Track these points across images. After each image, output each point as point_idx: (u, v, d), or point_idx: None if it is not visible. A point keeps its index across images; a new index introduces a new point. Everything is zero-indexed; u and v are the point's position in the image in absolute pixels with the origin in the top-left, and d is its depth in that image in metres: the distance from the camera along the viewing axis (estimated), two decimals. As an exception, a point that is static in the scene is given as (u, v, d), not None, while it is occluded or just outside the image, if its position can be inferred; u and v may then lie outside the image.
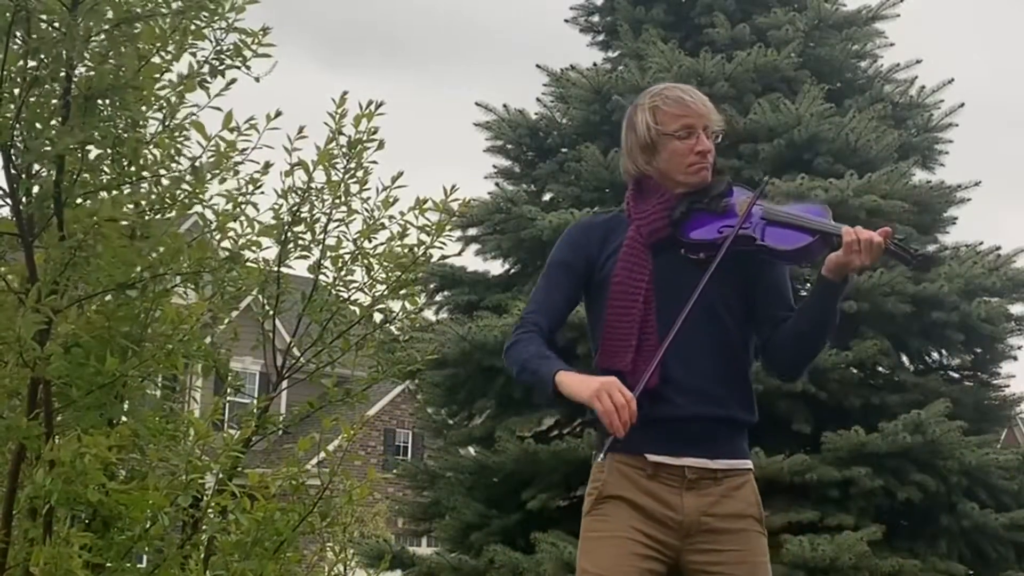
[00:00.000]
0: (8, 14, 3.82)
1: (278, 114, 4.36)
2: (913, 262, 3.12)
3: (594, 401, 2.89)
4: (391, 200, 4.85)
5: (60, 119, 3.96)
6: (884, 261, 3.36)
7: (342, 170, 4.77)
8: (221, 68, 4.16)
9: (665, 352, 2.98)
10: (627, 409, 2.86)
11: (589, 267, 3.17)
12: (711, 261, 3.02)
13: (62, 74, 3.93)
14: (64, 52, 3.85)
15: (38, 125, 4.00)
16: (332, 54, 79.20)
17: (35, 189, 4.12)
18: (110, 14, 3.84)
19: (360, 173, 4.77)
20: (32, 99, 3.96)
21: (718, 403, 3.08)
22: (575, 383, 2.96)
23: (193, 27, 4.06)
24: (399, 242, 4.88)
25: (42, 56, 3.88)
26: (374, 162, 4.77)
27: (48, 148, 3.94)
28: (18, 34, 3.89)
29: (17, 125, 3.93)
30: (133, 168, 4.18)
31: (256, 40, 4.14)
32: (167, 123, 4.17)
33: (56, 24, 3.86)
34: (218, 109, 4.16)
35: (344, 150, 4.76)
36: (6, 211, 4.27)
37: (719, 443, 3.09)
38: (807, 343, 3.17)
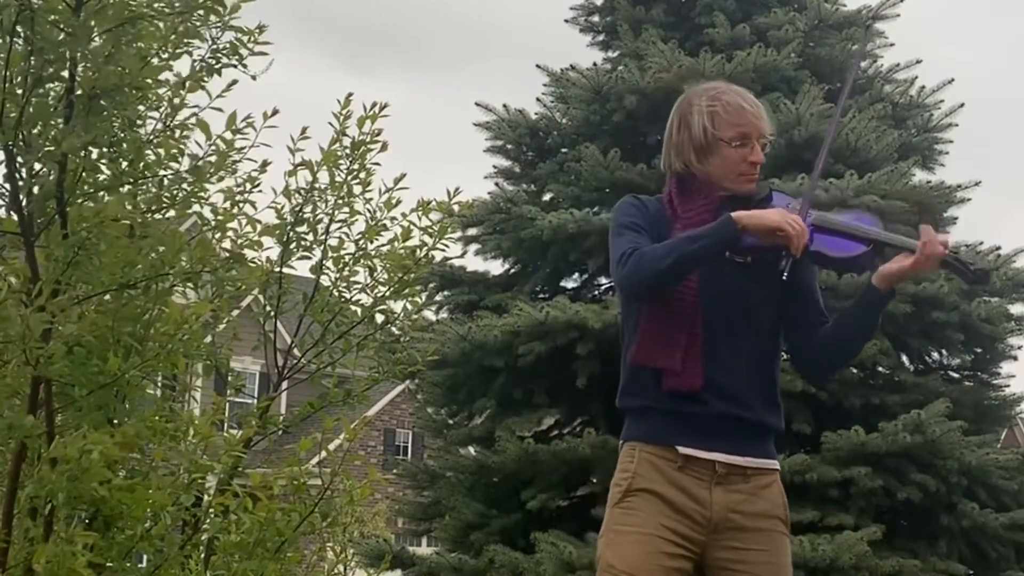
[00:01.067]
0: (12, 13, 3.82)
1: (275, 112, 4.36)
2: (971, 276, 3.15)
3: (786, 224, 2.94)
4: (394, 201, 4.85)
5: (63, 119, 3.96)
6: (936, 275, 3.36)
7: (345, 171, 4.77)
8: (218, 67, 4.16)
9: (705, 354, 3.03)
10: (805, 234, 2.96)
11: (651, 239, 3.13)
12: (760, 265, 3.07)
13: (65, 74, 3.93)
14: (68, 52, 3.85)
15: (41, 125, 4.00)
16: (357, 58, 79.32)
17: (35, 188, 4.12)
18: (115, 13, 3.84)
19: (363, 174, 4.77)
20: (35, 99, 3.96)
21: (750, 408, 3.09)
22: (758, 213, 2.99)
23: (189, 26, 4.06)
24: (402, 243, 4.88)
25: (47, 56, 3.88)
26: (377, 163, 4.77)
27: (51, 148, 3.94)
28: (22, 33, 3.89)
29: (21, 124, 3.93)
30: (130, 168, 4.18)
31: (252, 39, 4.14)
32: (167, 123, 4.17)
33: (60, 24, 3.86)
34: (219, 110, 4.16)
35: (348, 151, 4.76)
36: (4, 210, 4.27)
37: (749, 442, 3.10)
38: (847, 349, 3.23)
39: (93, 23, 3.86)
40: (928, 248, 3.04)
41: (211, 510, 4.42)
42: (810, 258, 3.13)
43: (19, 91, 3.94)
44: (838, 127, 8.62)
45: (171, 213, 4.29)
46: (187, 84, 4.12)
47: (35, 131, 4.00)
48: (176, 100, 4.14)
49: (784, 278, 3.02)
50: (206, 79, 4.12)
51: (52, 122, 4.03)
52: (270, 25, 4.11)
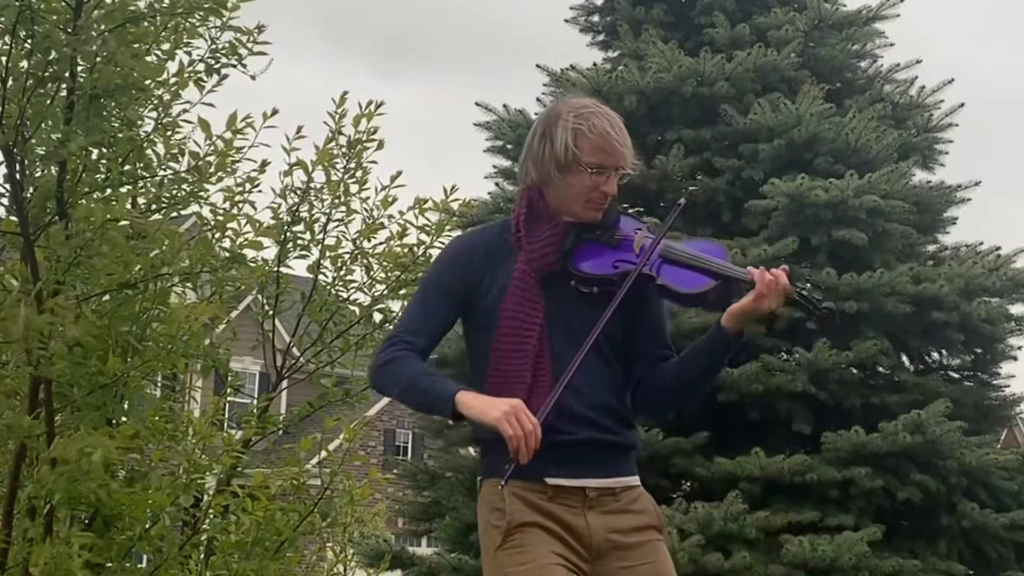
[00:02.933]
0: (13, 13, 3.82)
1: (275, 112, 4.36)
2: (817, 314, 2.98)
3: (502, 425, 2.77)
4: (390, 200, 4.85)
5: (64, 119, 3.97)
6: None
7: (342, 170, 4.77)
8: (217, 67, 4.16)
9: (556, 385, 2.90)
10: (534, 436, 2.78)
11: (468, 292, 3.03)
12: (607, 296, 2.94)
13: (66, 74, 3.93)
14: (68, 52, 3.85)
15: (42, 125, 4.00)
16: (387, 60, 79.46)
17: (32, 189, 4.12)
18: (115, 14, 3.84)
19: (359, 173, 4.77)
20: (36, 99, 3.96)
21: (609, 430, 3.01)
22: (480, 404, 2.83)
23: (188, 25, 4.06)
24: (399, 242, 4.88)
25: (48, 56, 3.88)
26: (374, 162, 4.77)
27: (52, 148, 3.94)
28: (22, 34, 3.89)
29: (21, 124, 3.94)
30: (129, 168, 4.18)
31: (251, 38, 4.14)
32: (161, 121, 4.17)
33: (61, 24, 3.86)
34: (211, 106, 4.17)
35: (344, 150, 4.76)
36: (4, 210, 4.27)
37: (614, 463, 3.03)
38: (686, 391, 3.12)
39: (94, 23, 3.86)
40: (759, 276, 2.91)
41: (210, 510, 4.42)
42: (657, 292, 3.03)
43: (19, 91, 3.94)
44: (838, 127, 8.62)
45: (174, 215, 4.29)
46: (180, 80, 4.12)
47: (36, 131, 4.00)
48: (168, 98, 4.14)
49: (501, 487, 2.86)
50: (205, 78, 4.12)
51: (52, 122, 4.03)
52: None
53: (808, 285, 2.88)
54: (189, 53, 4.11)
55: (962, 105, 9.53)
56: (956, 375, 8.97)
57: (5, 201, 4.19)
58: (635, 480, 3.07)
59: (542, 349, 2.97)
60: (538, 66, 9.76)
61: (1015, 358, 8.78)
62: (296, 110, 4.46)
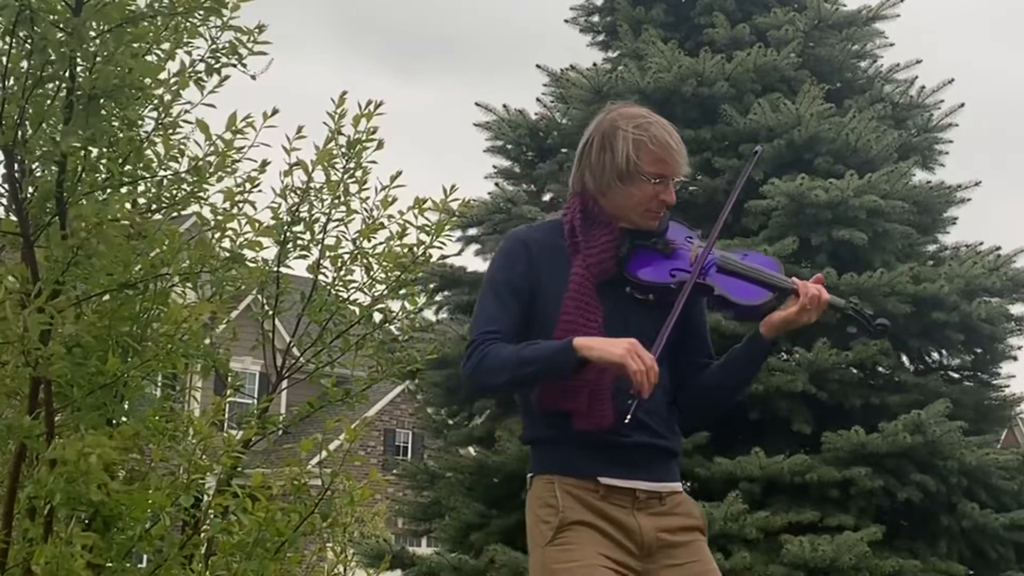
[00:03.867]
0: (12, 13, 3.82)
1: (275, 112, 4.36)
2: (870, 329, 3.09)
3: (627, 360, 2.80)
4: (390, 200, 4.85)
5: (63, 119, 3.97)
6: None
7: (341, 170, 4.77)
8: (217, 66, 4.16)
9: (615, 388, 2.94)
10: (653, 371, 2.82)
11: (532, 291, 3.04)
12: (662, 304, 2.98)
13: (64, 73, 3.93)
14: (67, 52, 3.85)
15: (41, 124, 4.00)
16: (406, 61, 79.70)
17: (31, 189, 4.12)
18: (114, 14, 3.84)
19: (359, 173, 4.77)
20: (35, 99, 3.96)
21: (661, 436, 3.07)
22: (600, 344, 2.85)
23: (188, 25, 4.06)
24: (399, 242, 4.87)
25: (47, 56, 3.88)
26: (373, 162, 4.77)
27: (50, 148, 3.94)
28: (21, 34, 3.89)
29: (20, 124, 3.93)
30: (129, 167, 4.18)
31: (252, 38, 4.14)
32: (161, 121, 4.17)
33: (60, 24, 3.86)
34: (212, 106, 4.17)
35: (343, 150, 4.75)
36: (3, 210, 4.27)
37: (662, 468, 3.08)
38: (724, 397, 3.17)
39: (93, 23, 3.86)
40: (803, 289, 2.97)
41: (211, 511, 4.41)
42: (712, 303, 3.08)
43: (19, 91, 3.94)
44: (838, 127, 8.62)
45: (169, 213, 4.29)
46: (180, 80, 4.12)
47: (35, 131, 4.00)
48: (169, 98, 4.14)
49: (626, 421, 2.87)
50: (205, 78, 4.12)
51: (52, 122, 4.03)
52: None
53: (857, 301, 2.96)
54: (189, 53, 4.12)
55: (962, 105, 9.55)
56: (956, 375, 8.97)
57: (5, 201, 4.18)
58: (679, 486, 3.14)
59: None
60: (538, 66, 9.78)
61: (1015, 358, 8.79)
62: (311, 111, 4.47)
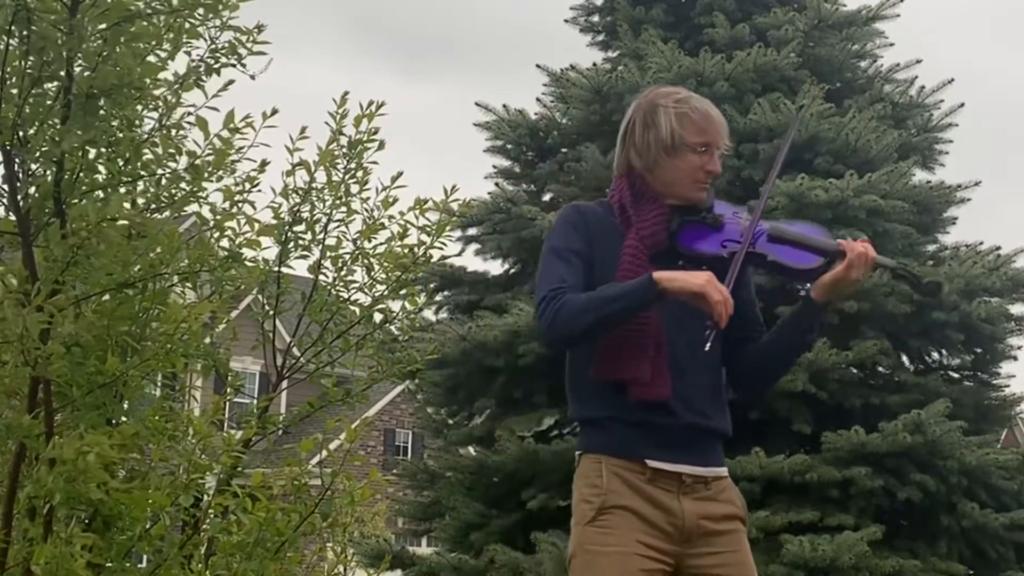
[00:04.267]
0: (8, 12, 3.81)
1: (274, 112, 4.35)
2: (921, 288, 3.17)
3: (708, 289, 2.87)
4: (391, 200, 4.84)
5: (60, 119, 3.96)
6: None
7: (342, 170, 4.76)
8: (216, 67, 4.16)
9: (668, 365, 3.02)
10: (730, 302, 2.89)
11: (590, 257, 3.09)
12: (716, 276, 3.01)
13: (62, 73, 3.93)
14: (65, 51, 3.84)
15: (39, 124, 4.00)
16: (414, 62, 79.84)
17: (33, 189, 4.11)
18: (112, 12, 3.84)
19: (360, 173, 4.77)
20: (32, 99, 3.95)
21: (707, 416, 3.10)
22: (679, 275, 2.92)
23: (188, 25, 4.05)
24: (399, 242, 4.87)
25: (44, 55, 3.87)
26: (374, 162, 4.77)
27: (49, 147, 3.94)
28: (18, 33, 3.88)
29: (18, 124, 3.93)
30: (129, 167, 4.18)
31: (251, 38, 4.14)
32: (163, 122, 4.17)
33: (57, 23, 3.86)
34: (215, 109, 4.16)
35: (345, 150, 4.75)
36: (2, 210, 4.27)
37: (709, 451, 3.12)
38: (782, 363, 3.24)
39: (90, 22, 3.86)
40: (848, 247, 3.03)
41: (211, 511, 4.41)
42: (767, 268, 3.14)
43: (16, 91, 3.93)
44: (838, 127, 8.62)
45: (169, 213, 4.28)
46: (184, 83, 4.12)
47: (32, 131, 4.00)
48: (172, 99, 4.14)
49: (707, 348, 2.95)
50: (204, 79, 4.11)
51: (50, 122, 4.03)
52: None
53: (904, 262, 3.10)
54: (189, 53, 4.11)
55: (962, 105, 9.55)
56: (956, 375, 8.97)
57: (6, 201, 4.18)
58: (724, 471, 3.16)
59: (661, 326, 3.03)
60: (538, 66, 9.78)
61: (1015, 358, 8.79)
62: (313, 111, 4.47)
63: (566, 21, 10.34)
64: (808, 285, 3.14)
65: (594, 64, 9.52)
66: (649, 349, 3.00)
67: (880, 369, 8.49)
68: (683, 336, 3.04)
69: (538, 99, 9.79)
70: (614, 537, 2.99)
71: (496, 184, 9.63)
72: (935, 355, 8.91)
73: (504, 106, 9.58)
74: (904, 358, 8.77)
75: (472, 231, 9.30)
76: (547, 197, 9.52)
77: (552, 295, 2.99)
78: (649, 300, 2.93)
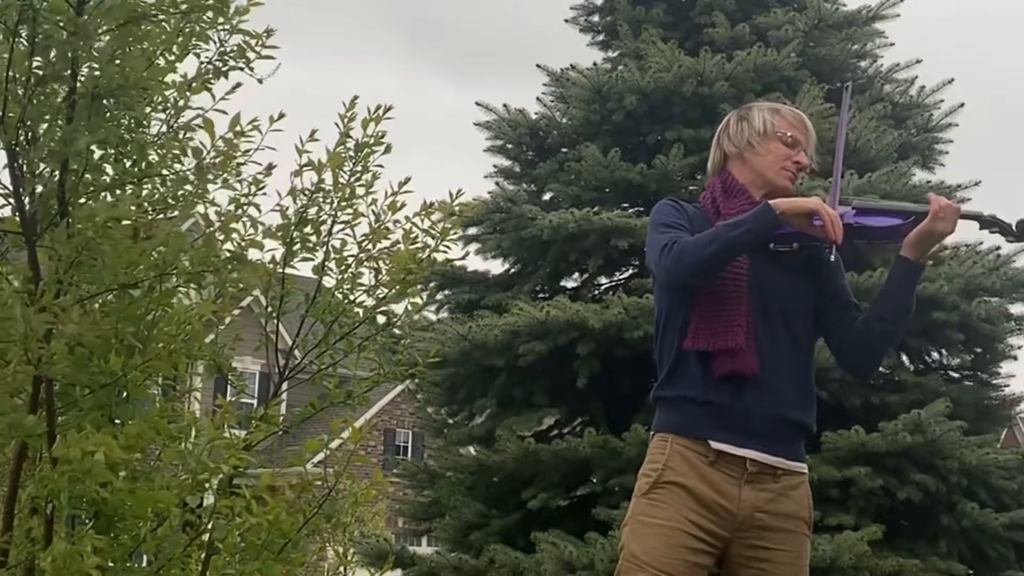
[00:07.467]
0: (14, 12, 3.81)
1: (281, 116, 4.35)
2: (1014, 232, 3.23)
3: (820, 206, 3.00)
4: (399, 204, 4.84)
5: (66, 119, 3.96)
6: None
7: (349, 173, 4.76)
8: (224, 70, 4.16)
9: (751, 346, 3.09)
10: (840, 222, 3.03)
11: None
12: (806, 255, 3.18)
13: (67, 73, 3.93)
14: (70, 51, 3.84)
15: (44, 124, 4.00)
16: (468, 65, 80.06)
17: (39, 188, 4.11)
18: (119, 12, 3.84)
19: (367, 176, 4.76)
20: (38, 99, 3.95)
21: (788, 404, 3.12)
22: (793, 199, 3.07)
23: (197, 28, 4.06)
24: (407, 247, 4.87)
25: (50, 55, 3.87)
26: (380, 166, 4.76)
27: (54, 147, 3.94)
28: (24, 33, 3.88)
29: (23, 124, 3.93)
30: (136, 168, 4.18)
31: (260, 42, 4.14)
32: (172, 124, 4.17)
33: (63, 24, 3.85)
34: (223, 112, 4.16)
35: (352, 153, 4.75)
36: (7, 210, 4.27)
37: (782, 441, 3.11)
38: (889, 332, 3.24)
39: (96, 22, 3.86)
40: (933, 199, 3.11)
41: (216, 512, 4.41)
42: (858, 234, 3.21)
43: (21, 91, 3.93)
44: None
45: (175, 213, 4.28)
46: (192, 85, 4.12)
47: (38, 131, 4.00)
48: (181, 102, 4.14)
49: (832, 258, 3.11)
50: (212, 81, 4.12)
51: (55, 122, 4.03)
52: (275, 29, 4.12)
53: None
54: (198, 55, 4.12)
55: (962, 105, 9.55)
56: (956, 375, 8.99)
57: (13, 200, 4.17)
58: (800, 466, 3.17)
59: (749, 304, 3.10)
60: (538, 66, 9.78)
61: (1015, 358, 8.80)
62: (321, 113, 4.47)
63: (566, 21, 10.36)
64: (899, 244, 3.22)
65: (594, 64, 9.53)
66: (742, 320, 3.06)
67: (880, 369, 8.50)
68: (764, 321, 3.10)
69: (538, 99, 9.80)
70: (663, 511, 3.05)
71: (496, 183, 9.65)
72: (935, 355, 8.93)
73: (504, 106, 9.59)
74: (904, 358, 8.79)
75: (472, 231, 9.30)
76: (547, 197, 9.52)
77: (671, 242, 3.09)
78: (768, 223, 3.02)
